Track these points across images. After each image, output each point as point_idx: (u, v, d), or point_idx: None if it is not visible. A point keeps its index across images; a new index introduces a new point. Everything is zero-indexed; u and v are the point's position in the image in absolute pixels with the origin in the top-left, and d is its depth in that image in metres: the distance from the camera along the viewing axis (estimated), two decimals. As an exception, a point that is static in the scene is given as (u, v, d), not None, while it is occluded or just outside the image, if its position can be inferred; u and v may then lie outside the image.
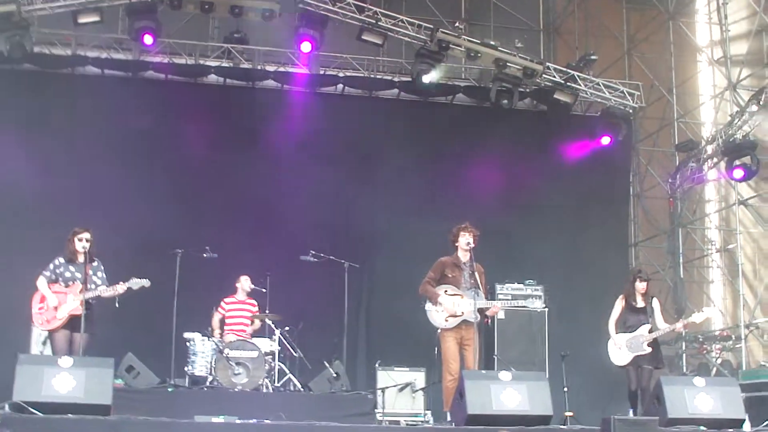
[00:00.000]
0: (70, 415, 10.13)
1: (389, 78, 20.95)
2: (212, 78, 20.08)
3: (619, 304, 14.01)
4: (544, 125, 20.75)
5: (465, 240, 12.94)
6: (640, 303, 13.87)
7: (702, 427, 11.57)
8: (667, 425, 11.53)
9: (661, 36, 21.94)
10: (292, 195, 18.71)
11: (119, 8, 19.12)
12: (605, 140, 20.54)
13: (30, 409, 10.13)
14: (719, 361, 19.59)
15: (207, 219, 18.24)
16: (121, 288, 12.31)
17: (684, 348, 20.48)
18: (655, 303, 13.99)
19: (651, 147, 22.09)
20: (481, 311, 12.86)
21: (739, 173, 18.83)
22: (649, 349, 13.58)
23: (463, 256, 13.00)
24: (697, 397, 11.85)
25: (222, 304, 16.13)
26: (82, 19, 18.07)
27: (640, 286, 13.90)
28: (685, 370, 19.95)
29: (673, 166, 21.55)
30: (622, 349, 13.73)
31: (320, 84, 20.49)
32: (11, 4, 17.33)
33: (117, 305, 12.51)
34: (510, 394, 11.32)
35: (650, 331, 13.64)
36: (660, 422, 11.12)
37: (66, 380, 10.41)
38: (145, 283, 12.44)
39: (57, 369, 10.51)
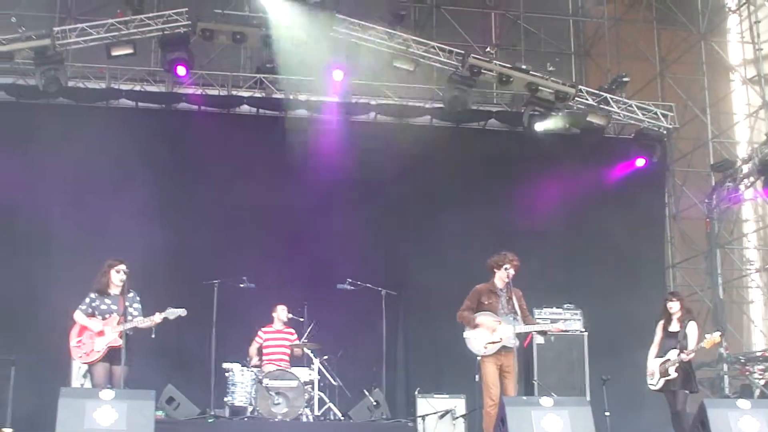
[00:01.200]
0: (113, 447, 10.16)
1: (421, 104, 20.92)
2: (245, 108, 20.15)
3: (659, 330, 13.92)
4: (577, 149, 20.65)
5: (507, 272, 12.84)
6: (674, 327, 13.76)
7: (748, 451, 11.46)
8: (713, 449, 11.44)
9: (693, 56, 21.79)
10: (327, 223, 18.67)
11: (152, 41, 19.26)
12: (640, 162, 20.47)
13: (73, 442, 10.16)
14: (762, 382, 19.37)
15: (243, 249, 18.19)
16: (158, 318, 12.30)
17: (726, 369, 20.26)
18: (690, 327, 13.79)
19: (686, 168, 21.93)
20: (519, 336, 12.82)
21: (775, 192, 18.70)
22: (676, 374, 13.45)
23: (500, 283, 12.94)
24: (741, 419, 11.75)
25: (260, 333, 16.13)
26: (116, 52, 18.17)
27: (671, 305, 13.78)
28: (727, 392, 19.74)
29: (708, 187, 21.36)
30: (654, 374, 13.64)
31: (352, 112, 20.49)
32: (46, 38, 17.49)
33: (153, 336, 12.51)
34: (552, 419, 11.27)
35: (678, 355, 13.53)
36: (705, 446, 11.02)
37: (108, 413, 10.44)
38: (182, 312, 12.43)
39: (99, 402, 10.55)
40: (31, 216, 17.69)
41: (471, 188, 19.66)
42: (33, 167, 17.83)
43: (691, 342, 13.59)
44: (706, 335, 13.49)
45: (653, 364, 13.69)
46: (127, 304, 12.35)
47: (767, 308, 22.06)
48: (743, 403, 11.99)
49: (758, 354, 20.04)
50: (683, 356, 13.50)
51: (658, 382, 13.60)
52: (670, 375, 13.39)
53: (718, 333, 13.80)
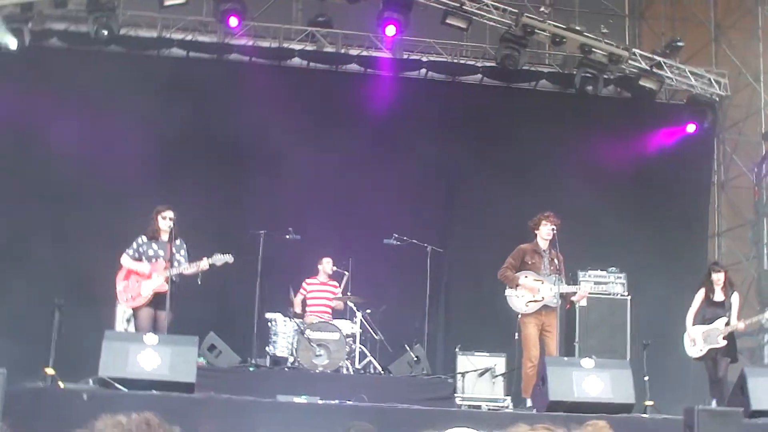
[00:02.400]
0: (154, 391, 10.28)
1: (473, 63, 20.85)
2: (296, 61, 20.12)
3: (699, 297, 13.94)
4: (628, 112, 20.56)
5: (547, 229, 12.95)
6: (718, 296, 13.77)
7: (787, 419, 11.45)
8: (751, 417, 11.44)
9: (749, 22, 21.51)
10: (376, 179, 18.72)
11: (205, -10, 19.29)
12: (690, 128, 20.36)
13: (115, 384, 10.29)
14: (802, 351, 19.34)
15: (290, 201, 18.27)
16: (204, 264, 12.45)
17: (766, 339, 20.20)
18: (735, 297, 13.85)
19: (737, 135, 21.71)
20: (563, 297, 12.86)
21: (824, 162, 18.54)
22: (725, 342, 13.46)
23: (543, 243, 13.02)
24: (782, 387, 11.76)
25: (304, 285, 16.25)
26: (168, 2, 18.15)
27: (716, 277, 13.81)
28: (766, 361, 19.69)
29: (758, 155, 21.19)
30: (696, 341, 13.65)
31: (403, 68, 20.46)
32: (100, -15, 17.55)
33: (199, 282, 12.66)
34: (592, 381, 11.33)
35: (726, 325, 13.50)
36: (744, 413, 11.01)
37: (151, 357, 10.58)
38: (229, 258, 12.56)
39: (142, 346, 10.69)
40: (81, 163, 17.75)
41: (519, 148, 19.56)
42: (83, 116, 17.90)
43: (734, 312, 13.60)
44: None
45: (695, 331, 13.68)
46: (174, 251, 12.49)
47: (812, 278, 21.90)
48: (784, 372, 12.00)
49: (799, 323, 19.98)
50: (740, 325, 13.51)
51: (701, 350, 13.60)
52: (719, 344, 13.41)
53: None
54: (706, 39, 21.98)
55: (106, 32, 17.79)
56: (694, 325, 13.77)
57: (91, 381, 10.69)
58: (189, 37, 19.77)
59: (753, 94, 21.13)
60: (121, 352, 10.65)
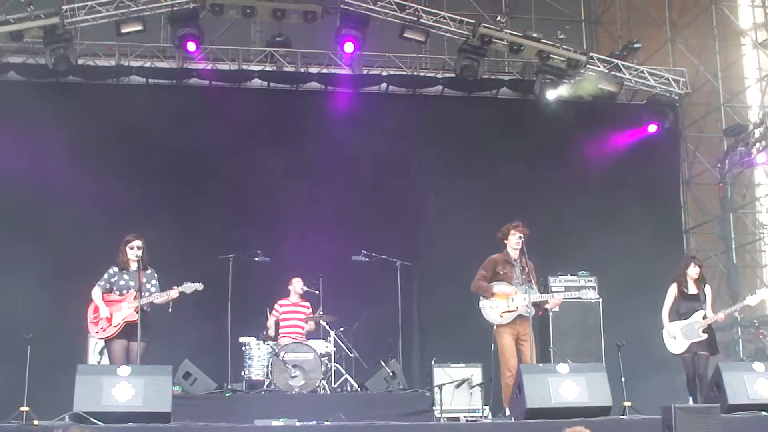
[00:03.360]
0: (131, 423, 10.22)
1: (432, 75, 20.90)
2: (256, 82, 20.11)
3: (672, 292, 13.93)
4: (590, 116, 20.61)
5: (515, 239, 12.97)
6: (692, 290, 13.80)
7: (764, 413, 11.49)
8: (728, 412, 11.49)
9: (704, 21, 21.68)
10: (341, 196, 18.74)
11: (161, 16, 19.24)
12: (652, 128, 20.51)
13: (91, 419, 10.22)
14: (776, 345, 19.42)
15: (256, 223, 18.29)
16: (174, 293, 12.39)
17: (740, 333, 20.30)
18: (708, 290, 13.89)
19: (698, 133, 21.87)
20: (535, 305, 12.88)
21: (788, 155, 18.63)
22: (705, 336, 13.49)
23: (513, 252, 13.03)
24: (758, 382, 11.82)
25: (276, 306, 16.18)
26: (125, 29, 18.21)
27: (694, 271, 13.82)
28: (741, 355, 19.79)
29: (721, 151, 21.34)
30: (677, 337, 13.63)
31: (364, 84, 20.49)
32: (55, 17, 17.49)
33: (170, 310, 12.60)
34: (569, 386, 11.34)
35: (704, 318, 13.54)
36: (721, 409, 11.04)
37: (125, 389, 10.52)
38: (199, 286, 12.50)
39: (116, 378, 10.62)
40: (43, 195, 17.73)
41: (483, 158, 19.59)
42: (44, 147, 17.80)
43: (709, 304, 13.64)
44: (757, 291, 13.60)
45: (674, 327, 13.69)
46: (144, 280, 12.44)
47: (780, 271, 22.07)
48: (758, 366, 12.07)
49: (772, 317, 20.11)
50: (720, 315, 13.54)
51: (682, 346, 13.61)
52: (700, 337, 13.43)
53: (766, 289, 13.86)
54: (663, 40, 22.16)
55: (63, 64, 17.78)
56: (670, 321, 13.78)
57: (66, 417, 10.62)
58: (147, 64, 19.77)
59: (712, 92, 21.33)
60: (94, 385, 10.58)
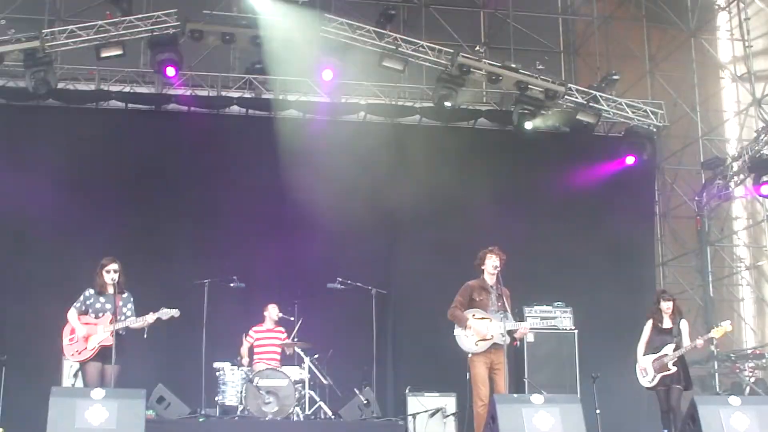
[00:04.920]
0: (103, 447, 10.16)
1: (410, 104, 20.96)
2: (234, 109, 20.15)
3: (648, 328, 13.96)
4: (567, 147, 20.68)
5: (492, 263, 12.93)
6: (666, 324, 13.82)
7: (738, 447, 11.49)
8: (703, 445, 11.47)
9: (683, 54, 21.79)
10: (317, 223, 18.64)
11: (141, 42, 19.25)
12: (629, 160, 20.53)
13: (63, 442, 10.17)
14: (752, 380, 19.40)
15: (233, 249, 18.25)
16: (150, 318, 12.33)
17: (716, 367, 20.29)
18: (684, 324, 13.90)
19: (676, 165, 21.98)
20: (510, 333, 12.85)
21: (766, 189, 18.61)
22: (675, 369, 13.48)
23: (490, 279, 12.98)
24: (733, 416, 11.79)
25: (251, 332, 16.13)
26: (105, 54, 18.21)
27: (665, 306, 13.86)
28: (718, 389, 19.78)
29: (699, 184, 21.42)
30: (647, 370, 13.65)
31: (342, 112, 20.53)
32: (35, 40, 17.55)
33: (145, 336, 12.54)
34: (543, 417, 11.30)
35: (675, 350, 13.55)
36: (695, 442, 11.05)
37: (99, 412, 10.45)
38: (175, 313, 12.45)
39: (89, 401, 10.56)
40: (20, 217, 17.69)
41: (460, 187, 19.59)
42: (22, 170, 17.76)
43: (685, 338, 13.65)
44: (720, 323, 13.60)
45: (645, 361, 13.71)
46: (121, 304, 12.39)
47: (757, 306, 22.10)
48: (734, 400, 12.03)
49: (748, 351, 20.13)
50: (699, 341, 13.54)
51: (653, 379, 13.62)
52: (670, 370, 13.43)
53: (728, 322, 13.87)
54: (642, 72, 22.28)
55: (43, 87, 17.78)
56: (644, 355, 13.80)
57: (40, 439, 10.57)
58: (127, 89, 19.78)
59: (690, 124, 21.42)
60: (68, 408, 10.52)
